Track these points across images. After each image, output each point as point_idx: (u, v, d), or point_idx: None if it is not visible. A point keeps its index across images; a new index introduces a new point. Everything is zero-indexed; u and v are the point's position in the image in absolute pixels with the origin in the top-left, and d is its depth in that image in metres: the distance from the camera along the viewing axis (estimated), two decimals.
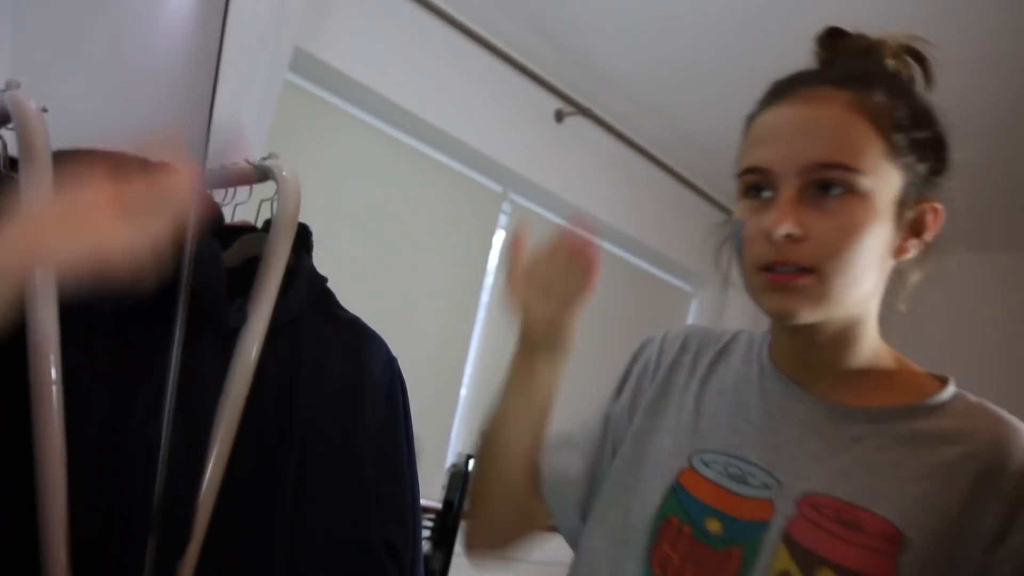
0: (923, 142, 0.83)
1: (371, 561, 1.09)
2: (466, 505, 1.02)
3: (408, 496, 1.17)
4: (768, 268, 0.80)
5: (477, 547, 1.02)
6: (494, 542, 1.02)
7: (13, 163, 0.88)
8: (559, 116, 3.32)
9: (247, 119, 2.05)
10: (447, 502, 2.53)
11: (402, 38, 2.79)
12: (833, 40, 0.90)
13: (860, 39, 0.89)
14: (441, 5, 2.76)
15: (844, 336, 0.85)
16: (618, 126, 3.44)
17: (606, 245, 3.77)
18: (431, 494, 2.98)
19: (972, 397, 0.84)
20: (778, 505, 0.81)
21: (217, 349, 1.00)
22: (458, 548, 2.52)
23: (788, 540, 0.79)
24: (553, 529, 1.01)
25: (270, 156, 1.12)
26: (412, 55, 2.83)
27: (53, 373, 0.82)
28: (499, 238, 3.37)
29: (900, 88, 0.85)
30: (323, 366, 1.10)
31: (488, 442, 0.97)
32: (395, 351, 1.21)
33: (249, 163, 1.14)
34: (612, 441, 0.99)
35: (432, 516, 2.52)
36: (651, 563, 0.85)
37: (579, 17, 2.87)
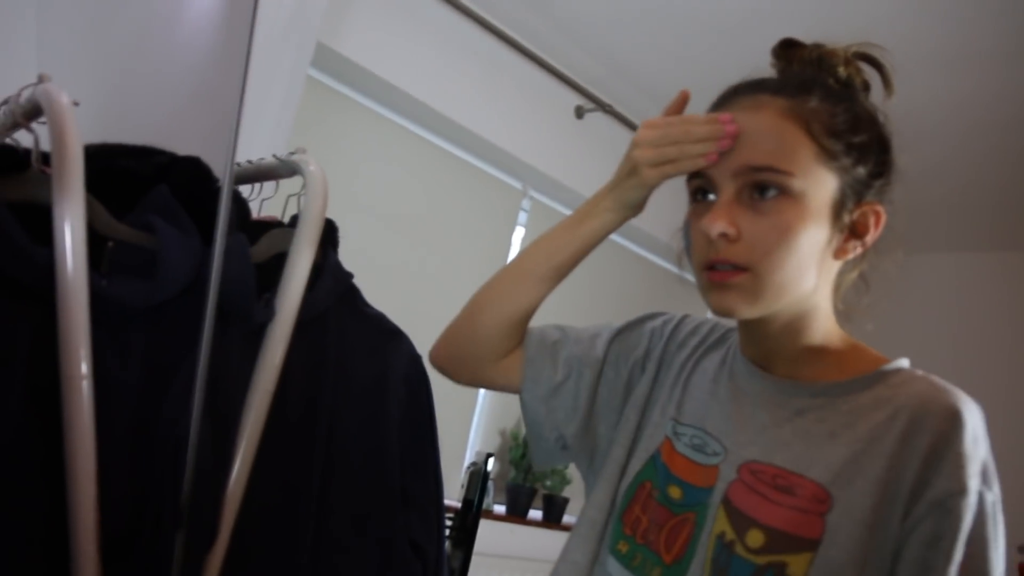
0: (861, 146, 0.88)
1: (396, 559, 1.09)
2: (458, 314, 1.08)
3: (432, 494, 1.17)
4: (709, 267, 0.87)
5: (440, 350, 1.09)
6: (464, 354, 1.07)
7: (45, 157, 0.88)
8: (579, 112, 3.31)
9: (270, 114, 2.05)
10: (466, 501, 2.52)
11: (423, 34, 2.79)
12: (787, 51, 0.96)
13: (813, 49, 0.94)
14: (462, 0, 2.76)
15: (793, 327, 0.90)
16: (639, 123, 3.42)
17: (626, 242, 3.76)
18: (450, 493, 2.98)
19: (919, 372, 0.88)
20: (722, 470, 0.89)
21: (244, 345, 1.00)
22: (478, 547, 2.52)
23: (726, 503, 0.86)
24: (514, 391, 1.08)
25: (297, 151, 1.12)
26: (432, 51, 2.82)
27: (84, 367, 0.82)
28: (519, 235, 3.37)
29: (838, 94, 0.90)
30: (349, 363, 1.09)
31: (513, 272, 1.04)
32: (420, 350, 1.21)
33: (276, 158, 1.13)
34: (607, 360, 1.07)
35: (451, 515, 2.52)
36: (623, 523, 0.94)
37: (600, 13, 2.86)
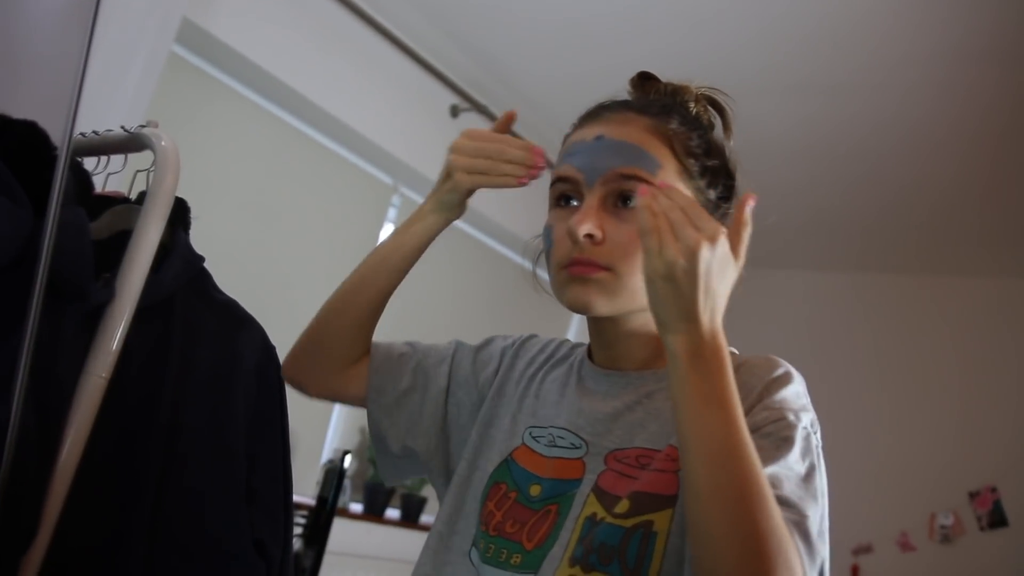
0: (714, 169, 0.95)
1: (238, 559, 1.03)
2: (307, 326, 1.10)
3: (280, 491, 1.12)
4: (570, 264, 0.90)
5: (295, 365, 1.09)
6: (310, 366, 1.08)
7: None
8: (455, 111, 3.30)
9: (127, 87, 1.94)
10: (321, 499, 2.46)
11: (298, 20, 2.71)
12: (643, 82, 1.02)
13: (666, 84, 1.01)
14: None
15: (643, 331, 0.95)
16: (514, 127, 3.43)
17: (493, 244, 3.77)
18: (304, 490, 2.91)
19: (735, 349, 0.93)
20: (589, 463, 0.92)
21: (79, 328, 0.93)
22: (333, 546, 2.46)
23: (597, 490, 0.90)
24: (362, 404, 1.09)
25: (148, 124, 1.05)
26: (308, 38, 2.75)
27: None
28: (388, 231, 3.32)
29: (694, 121, 0.97)
30: (195, 351, 1.04)
31: (353, 277, 1.07)
32: (274, 340, 1.16)
33: (125, 130, 1.06)
34: (455, 369, 1.09)
35: (304, 513, 2.45)
36: (481, 520, 0.96)
37: (482, 14, 2.86)
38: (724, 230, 0.79)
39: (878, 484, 3.96)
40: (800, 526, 0.76)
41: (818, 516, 0.79)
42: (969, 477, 3.83)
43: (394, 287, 1.06)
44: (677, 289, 0.77)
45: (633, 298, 0.90)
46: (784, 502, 0.76)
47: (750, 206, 0.82)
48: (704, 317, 0.77)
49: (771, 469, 0.79)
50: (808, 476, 0.82)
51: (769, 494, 0.73)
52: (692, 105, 1.00)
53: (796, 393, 0.88)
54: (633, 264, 0.88)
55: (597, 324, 0.97)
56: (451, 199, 1.01)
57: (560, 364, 1.07)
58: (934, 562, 3.83)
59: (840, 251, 4.24)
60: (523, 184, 0.96)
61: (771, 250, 4.16)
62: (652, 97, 1.00)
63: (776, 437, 0.83)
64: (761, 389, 0.87)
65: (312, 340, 1.07)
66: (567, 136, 1.00)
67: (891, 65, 2.66)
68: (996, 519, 3.74)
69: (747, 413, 0.82)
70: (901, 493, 3.93)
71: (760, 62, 2.71)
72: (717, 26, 2.61)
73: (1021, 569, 3.65)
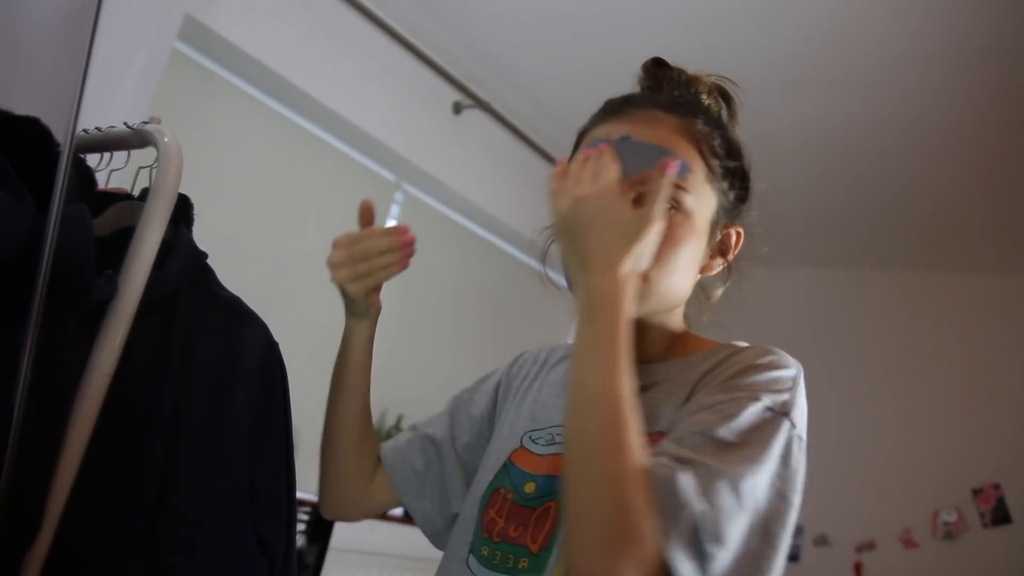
0: (734, 170, 0.96)
1: (240, 557, 1.03)
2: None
3: (283, 488, 1.11)
4: None
5: (326, 505, 1.14)
6: (340, 501, 1.13)
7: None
8: (457, 108, 3.29)
9: (129, 84, 1.94)
10: None
11: (300, 16, 2.71)
12: (657, 70, 1.01)
13: (680, 72, 1.00)
14: None
15: (656, 328, 0.95)
16: (517, 123, 3.43)
17: (497, 241, 3.76)
18: (308, 487, 2.90)
19: (746, 343, 0.94)
20: None
21: (82, 323, 0.93)
22: (336, 543, 2.46)
23: None
24: (399, 504, 1.14)
25: (151, 120, 1.05)
26: (310, 33, 2.74)
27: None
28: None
29: (715, 120, 0.96)
30: (198, 347, 1.03)
31: (327, 405, 1.09)
32: (277, 336, 1.16)
33: (128, 126, 1.06)
34: (455, 419, 1.12)
35: (308, 510, 2.45)
36: (481, 529, 0.95)
37: (484, 10, 2.85)
38: (614, 184, 0.83)
39: (881, 481, 3.96)
40: (670, 480, 0.73)
41: (728, 480, 0.74)
42: (972, 474, 3.82)
43: (366, 399, 1.09)
44: (570, 241, 0.82)
45: (661, 301, 0.91)
46: (680, 459, 0.76)
47: (672, 167, 0.85)
48: (596, 267, 0.80)
49: (683, 432, 0.79)
50: (735, 445, 0.77)
51: (632, 444, 0.74)
52: (705, 97, 0.99)
53: (774, 379, 0.84)
54: (664, 268, 0.88)
55: None
56: (359, 307, 1.03)
57: (557, 365, 1.07)
58: (937, 559, 3.82)
59: (841, 248, 4.23)
60: (405, 267, 0.99)
61: (772, 247, 4.15)
62: (667, 88, 0.99)
63: (720, 412, 0.80)
64: (735, 371, 0.85)
65: (327, 481, 1.12)
66: (585, 129, 0.98)
67: (891, 62, 2.65)
68: (999, 516, 3.73)
69: (716, 391, 0.83)
70: (904, 490, 3.93)
71: (760, 59, 2.70)
72: (717, 23, 2.61)
73: None
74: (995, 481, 3.77)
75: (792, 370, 0.86)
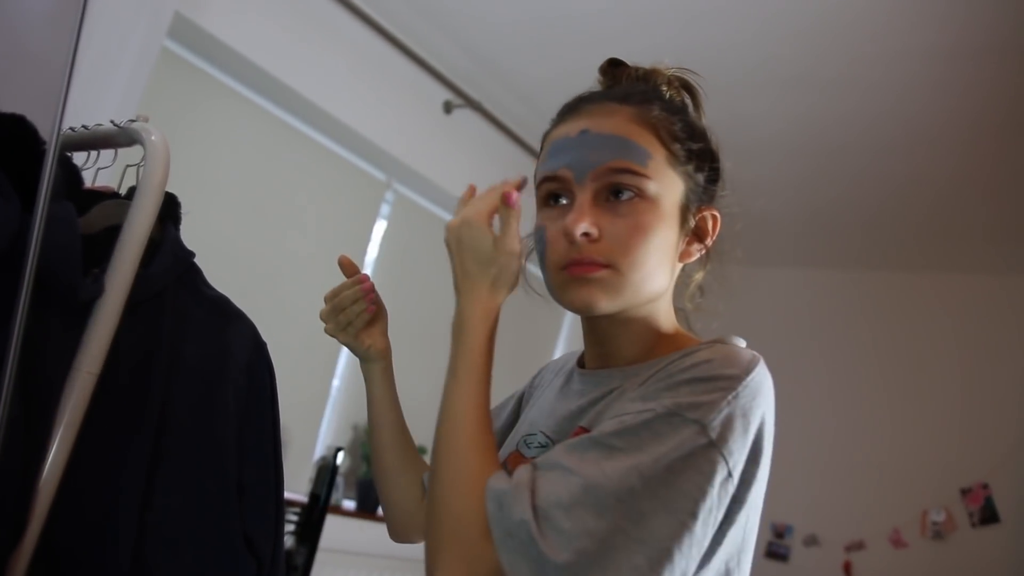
0: (699, 153, 0.94)
1: (227, 556, 1.03)
2: None
3: (271, 488, 1.11)
4: (570, 264, 0.89)
5: (390, 532, 1.18)
6: (399, 528, 1.16)
7: None
8: (448, 108, 3.29)
9: (118, 82, 1.93)
10: (313, 495, 2.45)
11: (290, 14, 2.70)
12: (614, 69, 1.02)
13: (636, 69, 1.01)
14: None
15: (639, 325, 0.94)
16: (508, 122, 3.43)
17: None
18: (298, 487, 2.90)
19: (727, 343, 0.90)
20: None
21: (68, 322, 0.92)
22: (325, 543, 2.45)
23: None
24: None
25: (138, 118, 1.04)
26: (299, 31, 2.74)
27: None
28: (380, 228, 3.31)
29: (674, 106, 0.96)
30: (185, 347, 1.03)
31: (372, 456, 1.16)
32: (265, 336, 1.15)
33: (115, 124, 1.05)
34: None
35: (297, 510, 2.45)
36: None
37: (474, 10, 2.85)
38: (481, 211, 0.87)
39: (871, 481, 3.97)
40: (502, 492, 0.76)
41: (568, 490, 0.74)
42: (961, 474, 3.84)
43: (397, 431, 1.13)
44: (450, 264, 0.88)
45: (636, 293, 0.89)
46: (542, 465, 0.79)
47: (514, 194, 0.88)
48: (460, 290, 0.87)
49: (582, 436, 0.80)
50: (619, 451, 0.76)
51: (470, 459, 0.81)
52: (665, 88, 0.99)
53: (705, 386, 0.80)
54: (633, 258, 0.87)
55: (592, 321, 0.96)
56: (359, 352, 1.10)
57: (560, 374, 1.07)
58: (926, 558, 3.83)
59: (837, 248, 4.24)
60: (372, 312, 1.08)
61: (768, 247, 4.17)
62: (625, 83, 0.99)
63: (621, 421, 0.79)
64: (669, 378, 0.82)
65: (384, 508, 1.16)
66: (547, 133, 0.99)
67: (888, 60, 2.66)
68: (988, 515, 3.75)
69: (637, 399, 0.81)
70: (893, 490, 3.94)
71: (757, 57, 2.70)
72: (713, 22, 2.61)
73: (1012, 565, 3.66)
74: (983, 481, 3.78)
75: (733, 370, 0.81)
